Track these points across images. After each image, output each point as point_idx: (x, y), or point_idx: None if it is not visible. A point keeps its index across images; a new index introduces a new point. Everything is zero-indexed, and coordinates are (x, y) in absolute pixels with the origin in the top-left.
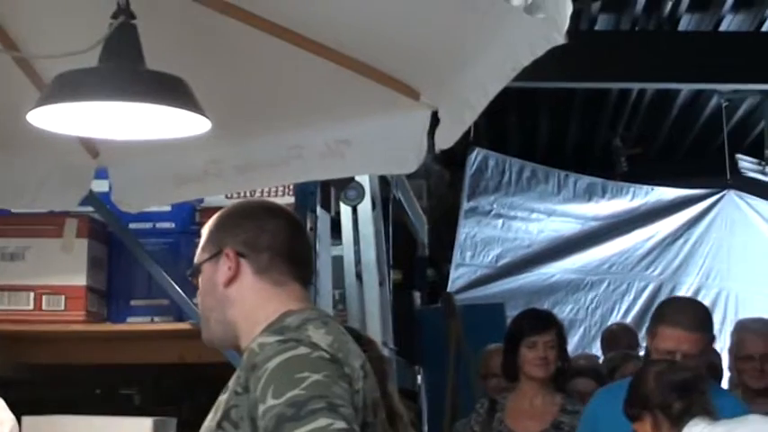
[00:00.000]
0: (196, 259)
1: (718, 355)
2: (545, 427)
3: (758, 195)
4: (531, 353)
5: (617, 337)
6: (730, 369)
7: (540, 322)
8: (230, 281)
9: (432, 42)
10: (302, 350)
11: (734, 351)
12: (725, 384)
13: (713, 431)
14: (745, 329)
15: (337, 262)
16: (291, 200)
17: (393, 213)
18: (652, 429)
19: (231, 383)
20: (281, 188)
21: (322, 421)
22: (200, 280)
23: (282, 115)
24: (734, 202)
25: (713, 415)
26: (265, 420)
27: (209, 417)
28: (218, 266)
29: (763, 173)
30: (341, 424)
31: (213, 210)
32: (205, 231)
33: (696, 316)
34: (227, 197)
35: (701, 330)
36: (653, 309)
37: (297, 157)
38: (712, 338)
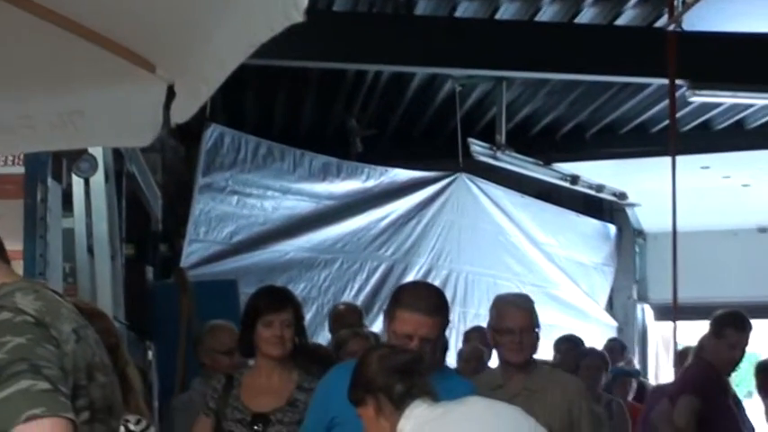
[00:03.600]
0: None
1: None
2: (281, 404)
3: (488, 179)
4: (267, 331)
5: (343, 317)
6: (491, 344)
7: (277, 301)
8: None
9: (169, 15)
10: (5, 315)
11: (492, 325)
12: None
13: (433, 412)
14: (505, 303)
15: (68, 235)
16: (21, 170)
17: (126, 187)
18: (375, 413)
19: None
20: (10, 158)
21: (24, 383)
22: None
23: (11, 83)
24: (465, 185)
25: (434, 396)
26: None
27: None
28: None
29: (493, 157)
30: (44, 385)
31: None
32: None
33: (434, 300)
34: None
35: (438, 314)
36: (385, 288)
37: (27, 126)
38: (447, 322)
